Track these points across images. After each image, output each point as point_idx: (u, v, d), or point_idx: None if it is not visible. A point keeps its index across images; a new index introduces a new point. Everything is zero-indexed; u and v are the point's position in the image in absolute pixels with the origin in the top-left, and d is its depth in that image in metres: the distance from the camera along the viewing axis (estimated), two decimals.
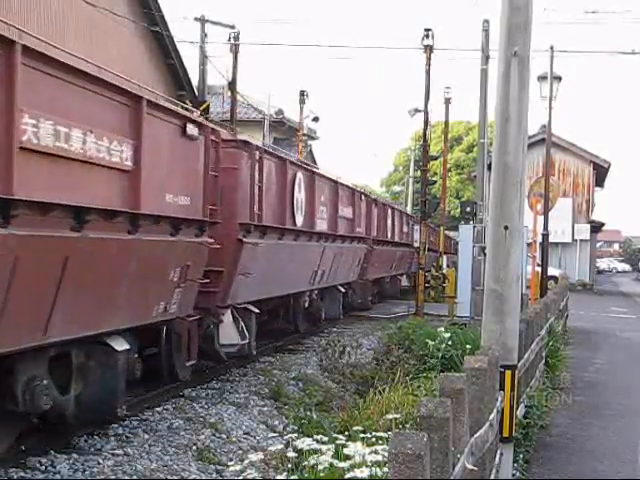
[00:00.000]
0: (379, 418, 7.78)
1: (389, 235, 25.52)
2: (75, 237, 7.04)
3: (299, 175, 14.32)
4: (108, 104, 7.66)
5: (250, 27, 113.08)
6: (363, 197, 20.81)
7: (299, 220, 14.22)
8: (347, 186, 19.28)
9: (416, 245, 26.68)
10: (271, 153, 13.58)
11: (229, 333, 11.63)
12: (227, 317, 11.59)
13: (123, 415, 8.58)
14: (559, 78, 23.91)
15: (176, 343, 10.39)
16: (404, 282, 31.15)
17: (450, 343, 11.49)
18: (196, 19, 24.97)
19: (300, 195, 14.26)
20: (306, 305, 16.57)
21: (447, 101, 35.74)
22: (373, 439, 5.70)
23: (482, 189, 25.50)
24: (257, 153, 12.00)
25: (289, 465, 5.75)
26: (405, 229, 29.44)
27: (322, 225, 16.03)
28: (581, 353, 16.87)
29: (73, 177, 7.08)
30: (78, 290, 7.28)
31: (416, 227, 28.44)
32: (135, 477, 7.45)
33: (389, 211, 25.79)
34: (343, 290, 19.33)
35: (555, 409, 10.70)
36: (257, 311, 12.64)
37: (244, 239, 11.49)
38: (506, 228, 6.59)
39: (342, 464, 4.96)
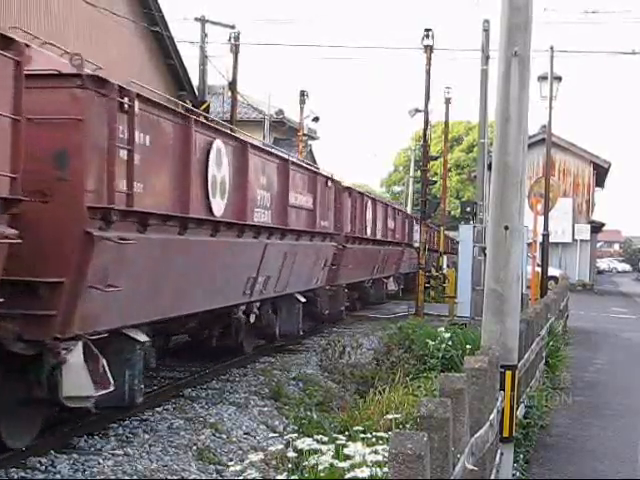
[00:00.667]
0: (379, 418, 7.78)
1: (369, 231, 21.44)
2: None
3: (218, 144, 10.19)
4: None
5: (250, 27, 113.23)
6: (330, 183, 16.46)
7: (218, 207, 10.23)
8: (304, 167, 15.25)
9: (416, 245, 26.67)
10: (159, 104, 8.92)
11: (77, 380, 7.48)
12: (75, 355, 7.47)
13: None
14: (559, 78, 23.94)
15: None
16: (391, 286, 27.14)
17: (450, 343, 11.51)
18: (196, 19, 24.98)
19: (220, 173, 10.27)
20: (252, 320, 12.92)
21: (447, 101, 35.79)
22: (373, 439, 5.70)
23: (482, 189, 25.52)
24: (125, 100, 7.78)
25: (289, 465, 5.75)
26: (392, 224, 25.31)
27: (263, 216, 12.11)
28: (581, 353, 16.87)
29: None
30: None
31: (416, 227, 28.45)
32: (135, 477, 7.45)
33: (368, 202, 21.47)
34: (303, 299, 15.09)
35: (555, 409, 10.70)
36: (144, 339, 8.62)
37: (97, 232, 7.41)
38: (506, 228, 6.59)
39: (342, 464, 4.96)
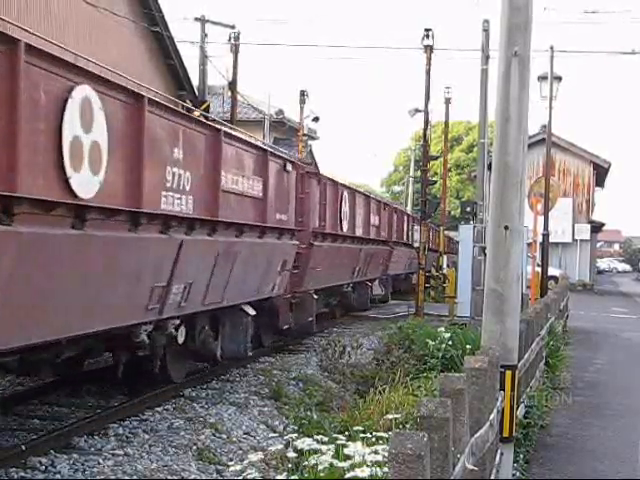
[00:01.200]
0: (379, 418, 7.78)
1: (345, 227, 18.16)
2: None
3: (84, 93, 7.03)
4: None
5: (250, 27, 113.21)
6: (289, 167, 13.23)
7: (86, 185, 7.07)
8: (248, 143, 11.81)
9: (416, 245, 26.61)
10: None
11: None
12: None
13: None
14: (559, 78, 23.95)
15: None
16: (377, 289, 24.10)
17: (450, 343, 11.50)
18: (196, 19, 24.99)
19: (89, 135, 7.12)
20: (180, 340, 10.25)
21: (447, 101, 35.86)
22: (373, 439, 5.70)
23: (482, 189, 25.52)
24: None
25: (289, 465, 5.75)
26: (375, 220, 22.20)
27: (177, 203, 8.91)
28: (581, 353, 16.88)
29: None
30: None
31: (416, 227, 28.40)
32: (135, 477, 7.45)
33: (344, 193, 18.14)
34: (252, 312, 12.02)
35: (555, 409, 10.71)
36: None
37: None
38: (506, 228, 6.59)
39: (342, 464, 4.96)
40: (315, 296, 16.02)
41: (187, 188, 9.16)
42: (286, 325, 14.44)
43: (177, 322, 9.86)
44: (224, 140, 10.21)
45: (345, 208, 18.26)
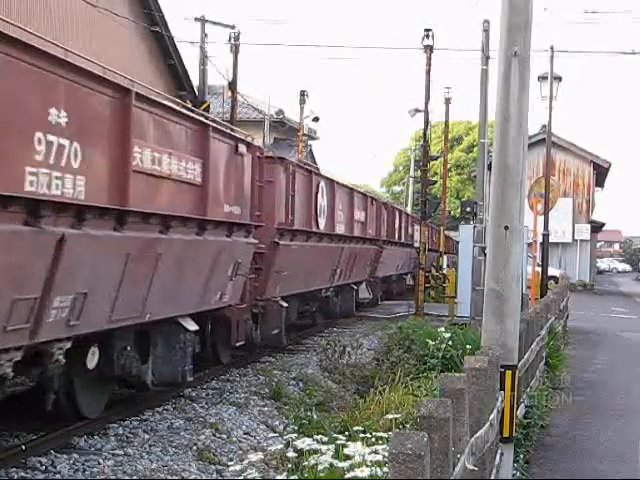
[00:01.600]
0: (379, 418, 7.79)
1: (322, 223, 15.80)
2: None
3: None
4: None
5: (250, 27, 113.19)
6: (242, 148, 10.94)
7: None
8: (176, 111, 9.14)
9: (416, 245, 26.55)
10: None
11: None
12: None
13: None
14: (559, 78, 23.97)
15: None
16: (363, 293, 21.72)
17: (450, 343, 11.51)
18: (196, 19, 25.00)
19: None
20: (91, 365, 8.21)
21: (447, 101, 35.90)
22: (373, 439, 5.70)
23: (482, 189, 25.52)
24: None
25: (289, 465, 5.76)
26: (361, 216, 19.80)
27: (53, 185, 6.49)
28: (581, 353, 16.89)
29: None
30: None
31: (416, 227, 28.35)
32: (135, 477, 7.45)
33: (321, 184, 15.81)
34: (193, 327, 9.77)
35: (555, 409, 10.71)
36: None
37: None
38: (506, 228, 6.59)
39: (342, 464, 4.96)
40: (284, 304, 13.61)
41: (75, 165, 6.76)
42: (240, 342, 11.79)
43: (67, 345, 7.26)
44: (136, 104, 7.71)
45: (322, 201, 15.80)
